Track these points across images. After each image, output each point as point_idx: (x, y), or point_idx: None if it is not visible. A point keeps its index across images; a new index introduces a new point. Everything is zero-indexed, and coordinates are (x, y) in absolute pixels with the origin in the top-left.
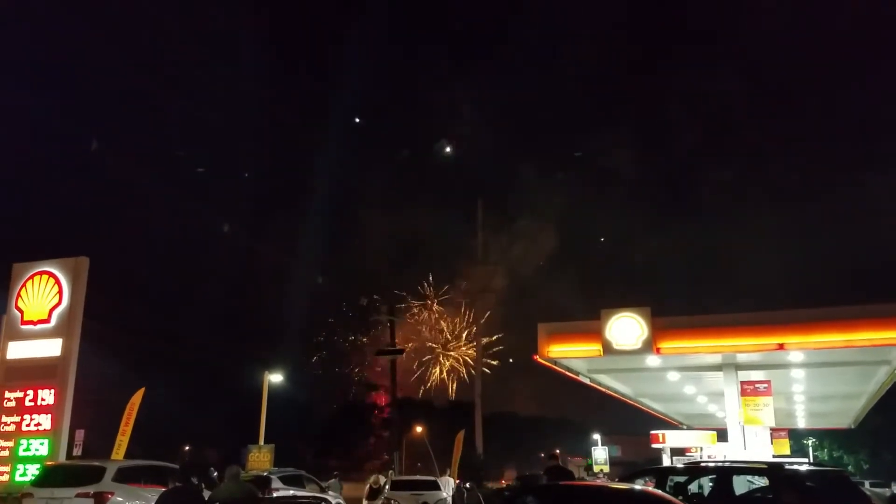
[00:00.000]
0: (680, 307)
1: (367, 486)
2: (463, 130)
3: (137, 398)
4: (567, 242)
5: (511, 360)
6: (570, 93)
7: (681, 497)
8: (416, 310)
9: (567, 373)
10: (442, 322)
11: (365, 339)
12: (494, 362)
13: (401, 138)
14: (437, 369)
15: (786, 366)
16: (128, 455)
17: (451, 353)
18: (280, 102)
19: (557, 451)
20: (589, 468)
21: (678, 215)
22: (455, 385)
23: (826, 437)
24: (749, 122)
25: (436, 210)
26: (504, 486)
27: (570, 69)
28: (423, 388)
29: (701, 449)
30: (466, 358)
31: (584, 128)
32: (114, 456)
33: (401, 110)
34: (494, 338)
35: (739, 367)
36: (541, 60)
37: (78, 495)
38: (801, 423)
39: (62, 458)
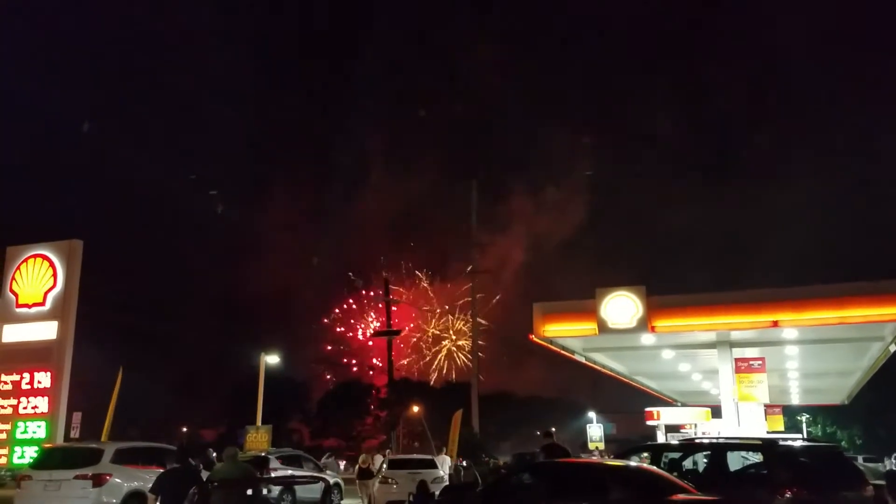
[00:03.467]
0: (704, 283)
1: (356, 466)
2: (482, 93)
3: (119, 380)
4: (590, 215)
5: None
6: (599, 54)
7: (675, 473)
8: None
9: (562, 352)
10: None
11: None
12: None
13: (417, 100)
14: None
15: (780, 343)
16: (121, 436)
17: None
18: (279, 70)
19: (553, 430)
20: (584, 446)
21: (709, 186)
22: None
23: (820, 412)
24: (787, 89)
25: (446, 179)
26: (501, 464)
27: (601, 29)
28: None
29: (695, 426)
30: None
31: (612, 92)
32: (103, 437)
33: (417, 70)
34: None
35: (734, 344)
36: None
37: (76, 477)
38: (795, 400)
39: (60, 441)
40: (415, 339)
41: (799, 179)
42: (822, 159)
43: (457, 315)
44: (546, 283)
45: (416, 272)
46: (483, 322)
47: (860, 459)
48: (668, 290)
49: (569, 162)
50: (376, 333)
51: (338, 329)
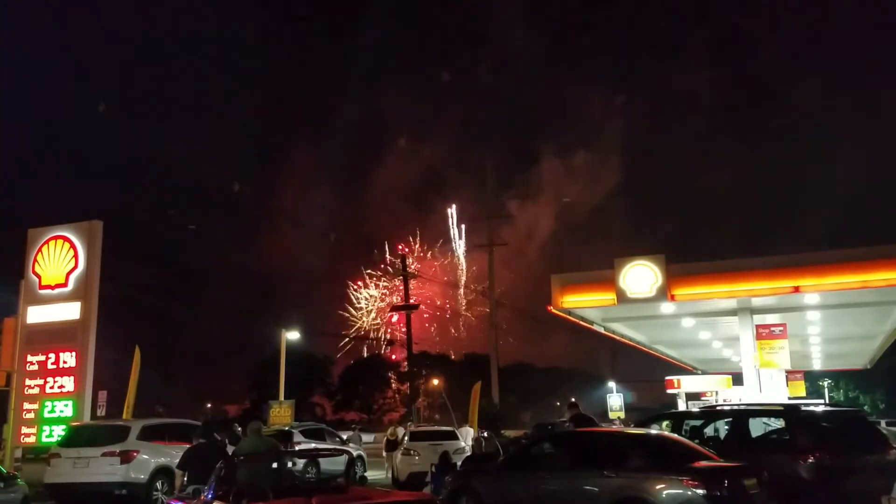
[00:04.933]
0: (743, 246)
1: (385, 438)
2: (508, 49)
3: (138, 358)
4: (623, 180)
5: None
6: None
7: (697, 441)
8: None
9: (581, 322)
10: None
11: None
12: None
13: (440, 64)
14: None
15: (801, 308)
16: (147, 413)
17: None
18: (293, 40)
19: (574, 400)
20: (604, 415)
21: (745, 148)
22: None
23: (842, 377)
24: (826, 42)
25: (470, 146)
26: (522, 434)
27: None
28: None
29: (716, 393)
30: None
31: (647, 50)
32: (125, 415)
33: (440, 31)
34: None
35: (754, 311)
36: None
37: (104, 454)
38: (817, 365)
39: (87, 419)
40: (435, 313)
41: (838, 139)
42: (864, 118)
43: (475, 288)
44: (576, 250)
45: (434, 246)
46: (504, 302)
47: (883, 423)
48: (702, 255)
49: (601, 125)
50: (395, 308)
51: (355, 299)
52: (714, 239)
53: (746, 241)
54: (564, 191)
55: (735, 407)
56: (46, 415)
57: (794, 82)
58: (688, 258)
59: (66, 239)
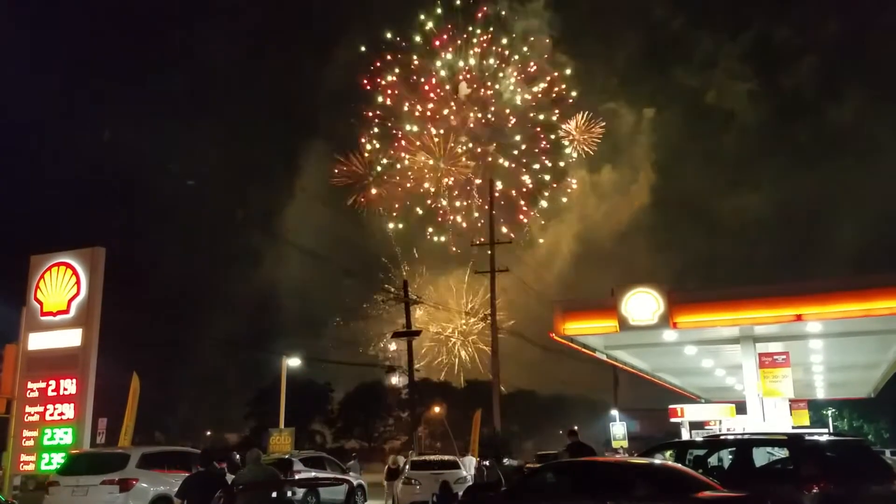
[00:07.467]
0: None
1: (386, 466)
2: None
3: (136, 385)
4: (650, 199)
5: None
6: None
7: (701, 470)
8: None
9: (583, 350)
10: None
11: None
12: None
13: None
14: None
15: (804, 337)
16: (148, 441)
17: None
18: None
19: (576, 428)
20: (607, 444)
21: (783, 164)
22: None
23: (845, 406)
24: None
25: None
26: (523, 464)
27: None
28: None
29: (720, 422)
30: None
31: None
32: (120, 443)
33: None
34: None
35: (757, 339)
36: None
37: (103, 482)
38: (821, 394)
39: (86, 447)
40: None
41: (880, 158)
42: None
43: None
44: (595, 275)
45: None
46: (506, 330)
47: (888, 453)
48: (735, 278)
49: (628, 141)
50: (396, 335)
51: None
52: (746, 262)
53: (777, 264)
54: (583, 211)
55: (739, 436)
56: (46, 442)
57: (835, 99)
58: (717, 282)
59: (68, 266)
